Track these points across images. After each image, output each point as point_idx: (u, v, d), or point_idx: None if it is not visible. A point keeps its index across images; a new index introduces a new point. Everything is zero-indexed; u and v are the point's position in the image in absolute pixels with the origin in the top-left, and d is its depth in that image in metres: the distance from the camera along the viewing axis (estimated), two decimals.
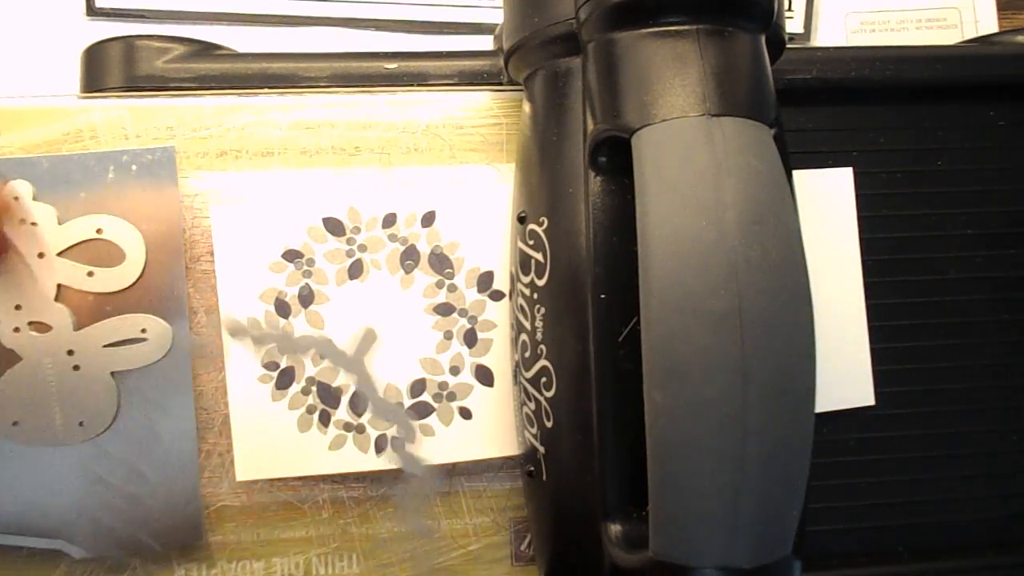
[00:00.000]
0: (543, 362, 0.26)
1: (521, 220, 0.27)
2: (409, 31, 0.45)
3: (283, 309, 0.28)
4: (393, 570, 0.29)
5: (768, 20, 0.25)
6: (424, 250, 0.29)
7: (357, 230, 0.29)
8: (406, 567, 0.29)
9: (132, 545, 0.27)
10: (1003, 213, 0.34)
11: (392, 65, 0.32)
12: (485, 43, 0.36)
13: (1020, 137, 0.34)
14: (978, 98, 0.34)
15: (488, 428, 0.29)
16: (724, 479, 0.21)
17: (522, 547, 0.30)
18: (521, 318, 0.27)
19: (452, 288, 0.29)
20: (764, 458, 0.21)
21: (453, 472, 0.30)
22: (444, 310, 0.29)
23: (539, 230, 0.26)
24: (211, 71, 0.31)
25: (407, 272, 0.29)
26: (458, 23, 0.45)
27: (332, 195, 0.29)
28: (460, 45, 0.41)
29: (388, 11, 0.45)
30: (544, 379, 0.26)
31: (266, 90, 0.30)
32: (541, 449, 0.26)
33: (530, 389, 0.27)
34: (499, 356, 0.30)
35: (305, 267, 0.29)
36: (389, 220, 0.29)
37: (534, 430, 0.27)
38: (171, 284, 0.27)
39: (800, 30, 0.47)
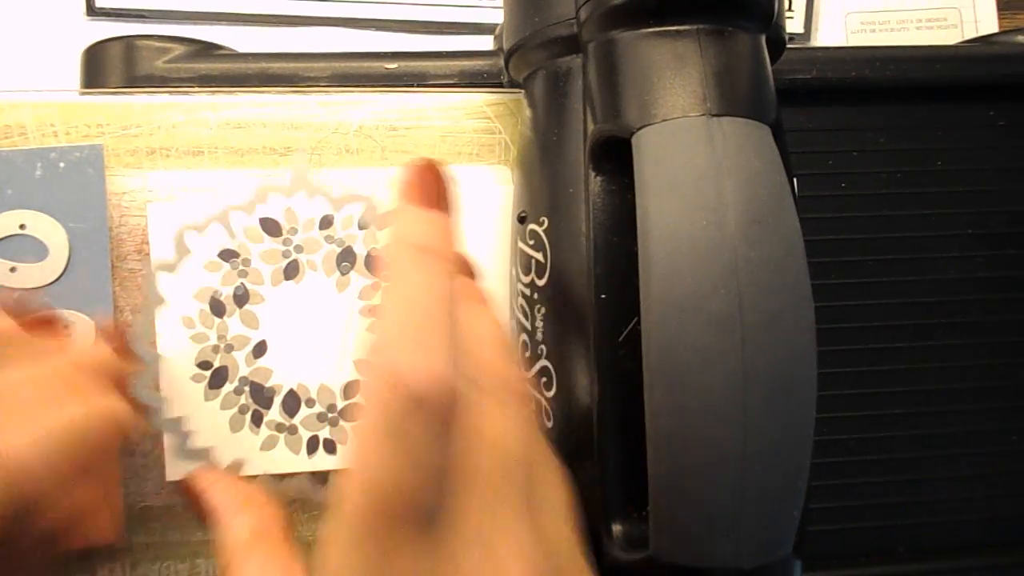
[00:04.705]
0: (543, 362, 0.26)
1: (521, 220, 0.27)
2: (409, 31, 0.45)
3: (218, 308, 0.28)
4: None
5: (768, 20, 0.25)
6: (361, 252, 0.29)
7: (294, 231, 0.29)
8: None
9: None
10: (1003, 213, 0.34)
11: (392, 65, 0.32)
12: (485, 43, 0.36)
13: (1020, 137, 0.34)
14: (978, 98, 0.34)
15: None
16: (724, 479, 0.21)
17: None
18: (521, 318, 0.27)
19: None
20: (764, 458, 0.21)
21: None
22: None
23: (539, 230, 0.26)
24: (211, 71, 0.31)
25: (343, 274, 0.29)
26: (458, 23, 0.45)
27: (268, 195, 0.29)
28: (460, 45, 0.42)
29: (388, 11, 0.45)
30: (544, 379, 0.26)
31: (196, 89, 0.30)
32: None
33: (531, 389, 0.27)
34: None
35: (241, 267, 0.28)
36: (326, 221, 0.29)
37: None
38: (96, 281, 0.27)
39: (800, 30, 0.47)
